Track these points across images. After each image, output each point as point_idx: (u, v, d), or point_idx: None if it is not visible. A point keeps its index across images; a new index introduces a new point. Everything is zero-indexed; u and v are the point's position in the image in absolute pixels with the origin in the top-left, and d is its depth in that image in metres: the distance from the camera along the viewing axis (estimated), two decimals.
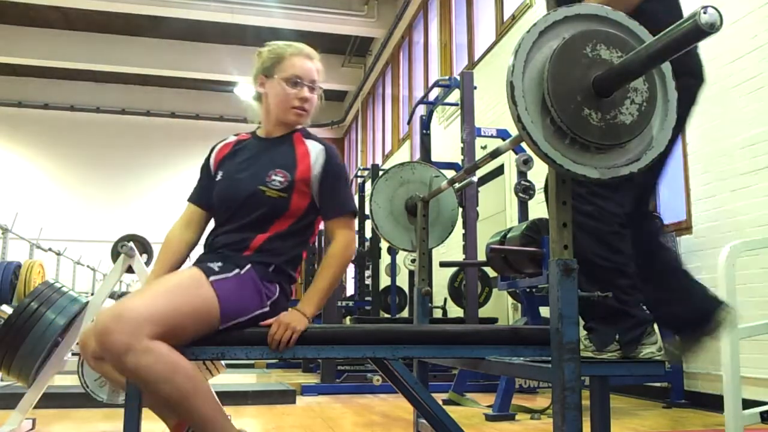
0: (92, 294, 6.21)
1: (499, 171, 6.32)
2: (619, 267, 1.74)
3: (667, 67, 1.38)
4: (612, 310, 1.69)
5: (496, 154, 1.89)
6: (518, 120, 1.30)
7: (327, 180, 1.71)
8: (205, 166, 1.86)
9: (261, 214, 1.67)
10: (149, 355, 1.34)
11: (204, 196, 1.81)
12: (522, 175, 4.11)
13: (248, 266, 1.60)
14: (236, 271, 1.57)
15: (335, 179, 1.73)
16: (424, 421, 2.15)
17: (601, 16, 1.37)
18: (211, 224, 1.81)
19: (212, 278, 1.52)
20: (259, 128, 1.90)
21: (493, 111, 6.34)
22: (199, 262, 1.62)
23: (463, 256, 4.48)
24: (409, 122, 8.49)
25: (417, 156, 8.20)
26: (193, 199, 1.84)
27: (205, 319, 1.48)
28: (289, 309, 1.60)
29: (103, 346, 1.35)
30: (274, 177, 1.68)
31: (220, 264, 1.58)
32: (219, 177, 1.77)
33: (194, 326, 1.46)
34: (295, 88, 1.77)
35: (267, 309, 1.58)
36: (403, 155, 9.55)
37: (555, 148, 1.30)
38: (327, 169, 1.72)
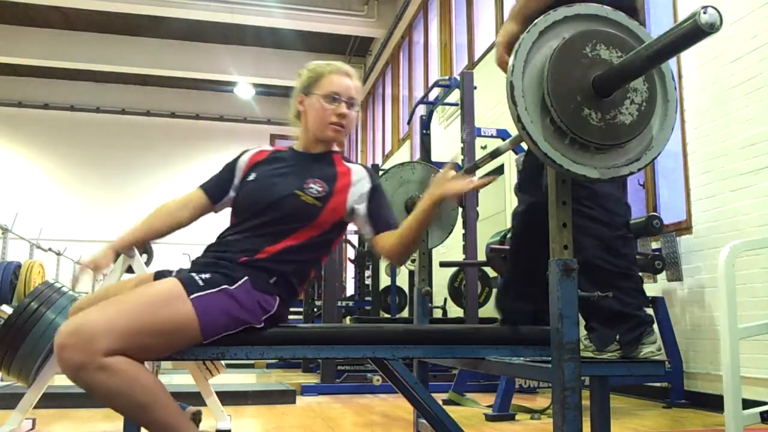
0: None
1: (499, 171, 6.32)
2: (623, 270, 1.76)
3: (667, 67, 1.38)
4: (614, 312, 1.70)
5: (496, 154, 1.89)
6: (518, 120, 1.30)
7: (377, 197, 1.75)
8: (231, 166, 1.84)
9: (287, 218, 1.65)
10: (102, 373, 1.32)
11: (217, 189, 1.81)
12: None
13: (244, 279, 1.54)
14: (224, 286, 1.51)
15: (383, 197, 1.78)
16: (424, 421, 2.15)
17: (601, 16, 1.37)
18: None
19: (193, 296, 1.46)
20: (296, 144, 1.91)
21: (493, 111, 6.34)
22: (187, 270, 1.57)
23: (463, 256, 4.48)
24: (409, 122, 8.49)
25: (417, 156, 8.20)
26: (204, 187, 1.83)
27: (179, 336, 1.43)
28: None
29: (59, 361, 1.33)
30: (312, 185, 1.69)
31: (207, 276, 1.52)
32: (251, 178, 1.77)
33: (165, 342, 1.42)
34: (332, 104, 1.78)
35: (260, 325, 1.53)
36: (403, 155, 9.55)
37: (555, 148, 1.30)
38: (375, 188, 1.76)
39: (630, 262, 1.79)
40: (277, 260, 1.62)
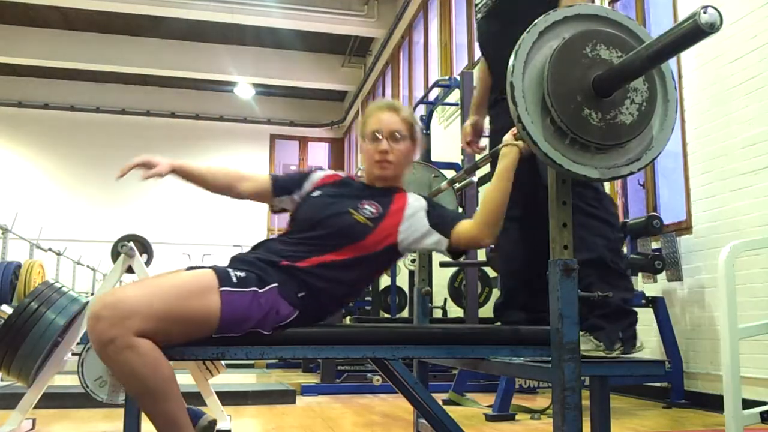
0: (92, 294, 6.20)
1: None
2: (622, 269, 1.87)
3: (667, 67, 1.38)
4: (616, 308, 1.78)
5: (495, 154, 1.89)
6: (518, 120, 1.30)
7: (436, 209, 1.75)
8: (305, 175, 1.89)
9: (336, 233, 1.65)
10: (131, 352, 1.34)
11: (283, 185, 1.85)
12: None
13: (274, 285, 1.55)
14: (254, 288, 1.52)
15: (442, 207, 1.82)
16: (424, 421, 2.15)
17: (601, 16, 1.37)
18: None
19: (223, 288, 1.48)
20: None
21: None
22: (226, 265, 1.59)
23: (463, 256, 4.47)
24: None
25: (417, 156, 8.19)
26: (273, 177, 1.87)
27: (199, 327, 1.46)
28: None
29: (90, 331, 1.36)
30: (366, 205, 1.70)
31: (242, 275, 1.53)
32: (315, 194, 1.80)
33: (186, 331, 1.44)
34: (374, 143, 1.80)
35: (268, 332, 1.52)
36: None
37: (555, 148, 1.30)
38: (431, 202, 1.78)
39: (624, 261, 1.89)
40: (314, 273, 1.60)
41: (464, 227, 1.67)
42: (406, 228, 1.69)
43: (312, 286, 1.59)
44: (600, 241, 1.81)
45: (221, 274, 1.50)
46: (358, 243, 1.65)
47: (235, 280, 1.51)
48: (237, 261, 1.62)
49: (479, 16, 2.21)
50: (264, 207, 14.92)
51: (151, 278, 1.50)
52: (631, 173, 1.36)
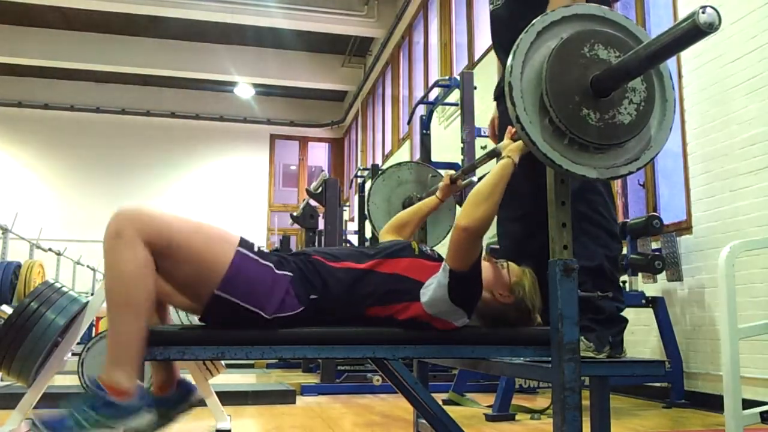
0: (92, 294, 6.21)
1: None
2: (617, 280, 1.92)
3: (665, 67, 1.38)
4: (612, 315, 1.82)
5: (495, 154, 1.89)
6: (517, 120, 1.30)
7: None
8: None
9: (386, 246, 1.67)
10: (127, 250, 1.39)
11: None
12: None
13: (289, 274, 1.53)
14: (270, 264, 1.53)
15: None
16: (424, 421, 2.15)
17: (599, 17, 1.37)
18: None
19: (241, 249, 1.50)
20: None
21: (493, 111, 6.33)
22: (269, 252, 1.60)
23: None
24: (409, 122, 8.49)
25: (417, 156, 8.20)
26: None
27: (205, 270, 1.46)
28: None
29: (109, 223, 1.43)
30: (429, 249, 1.72)
31: (264, 251, 1.56)
32: None
33: (191, 268, 1.46)
34: None
35: (268, 317, 1.49)
36: (403, 155, 9.55)
37: (553, 148, 1.30)
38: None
39: (620, 272, 1.96)
40: (339, 276, 1.57)
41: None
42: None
43: (330, 291, 1.55)
44: (602, 251, 1.85)
45: (244, 240, 1.54)
46: (403, 256, 1.65)
47: (255, 249, 1.54)
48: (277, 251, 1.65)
49: (491, 7, 2.21)
50: (264, 207, 14.85)
51: (184, 215, 1.54)
52: (630, 173, 1.36)
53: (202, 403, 2.96)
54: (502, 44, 2.24)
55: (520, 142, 1.61)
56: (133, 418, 1.36)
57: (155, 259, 1.42)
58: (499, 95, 2.29)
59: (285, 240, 9.62)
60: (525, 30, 1.33)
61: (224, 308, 1.47)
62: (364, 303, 1.58)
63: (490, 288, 1.63)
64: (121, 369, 1.37)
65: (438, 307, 1.53)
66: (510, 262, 1.69)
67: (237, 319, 1.49)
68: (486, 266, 1.65)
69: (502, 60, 2.29)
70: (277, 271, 1.52)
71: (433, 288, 1.54)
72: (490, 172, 1.59)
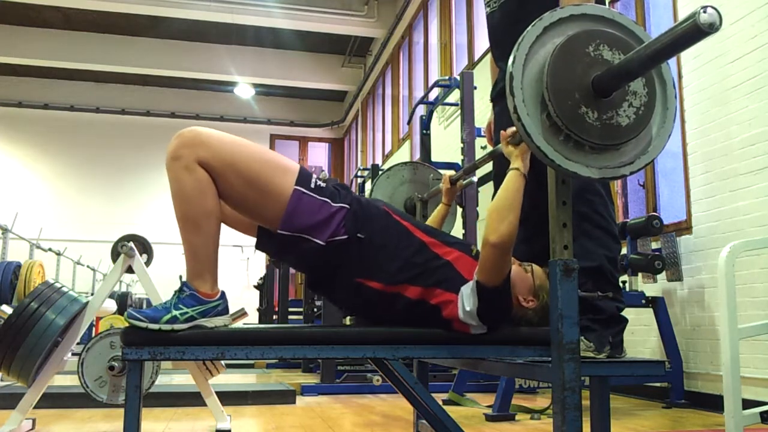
0: (92, 294, 6.20)
1: None
2: (617, 281, 1.91)
3: (669, 75, 1.38)
4: (612, 316, 1.82)
5: (495, 153, 1.89)
6: (514, 110, 1.30)
7: None
8: None
9: (448, 236, 1.75)
10: (187, 172, 1.49)
11: None
12: None
13: (345, 205, 1.58)
14: (327, 200, 1.57)
15: None
16: (424, 421, 2.15)
17: (607, 18, 1.37)
18: None
19: (298, 187, 1.55)
20: None
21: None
22: (320, 182, 1.62)
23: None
24: (409, 122, 8.49)
25: (417, 156, 8.20)
26: None
27: (262, 204, 1.55)
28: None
29: (170, 145, 1.54)
30: None
31: (321, 184, 1.59)
32: None
33: (251, 198, 1.55)
34: None
35: (323, 243, 1.55)
36: (403, 155, 9.54)
37: (548, 143, 1.30)
38: None
39: (620, 272, 1.95)
40: (388, 222, 1.64)
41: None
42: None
43: (375, 239, 1.59)
44: (601, 251, 1.85)
45: (303, 174, 1.58)
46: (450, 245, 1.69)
47: (313, 185, 1.58)
48: (327, 182, 1.66)
49: (488, 10, 2.21)
50: None
51: (243, 141, 1.60)
52: (623, 176, 1.36)
53: (202, 403, 2.96)
54: (499, 46, 2.24)
55: (523, 146, 1.60)
56: (217, 316, 1.53)
57: (215, 180, 1.51)
58: (496, 97, 2.29)
59: None
60: (532, 24, 1.33)
61: (283, 240, 1.56)
62: (402, 274, 1.59)
63: (515, 291, 1.65)
64: (200, 278, 1.53)
65: (467, 318, 1.56)
66: (534, 265, 1.70)
67: (294, 247, 1.57)
68: (512, 269, 1.65)
69: (498, 61, 2.29)
70: (333, 204, 1.58)
71: (466, 301, 1.56)
72: (503, 185, 1.58)
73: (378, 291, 1.59)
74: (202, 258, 1.53)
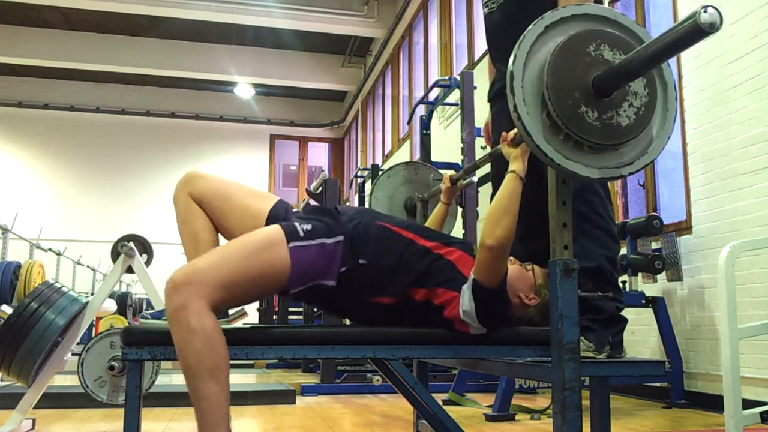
0: (92, 294, 6.20)
1: None
2: (616, 281, 1.92)
3: (670, 76, 1.38)
4: (612, 316, 1.82)
5: (494, 154, 1.89)
6: (514, 109, 1.30)
7: None
8: None
9: (446, 236, 1.76)
10: (196, 322, 1.39)
11: None
12: None
13: (340, 238, 1.58)
14: (322, 240, 1.56)
15: None
16: (424, 421, 2.15)
17: (609, 18, 1.37)
18: None
19: (292, 244, 1.53)
20: None
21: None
22: (291, 220, 1.61)
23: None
24: (409, 122, 8.49)
25: (417, 156, 8.20)
26: None
27: (271, 282, 1.54)
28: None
29: (166, 296, 1.42)
30: None
31: (308, 227, 1.57)
32: None
33: (259, 290, 1.55)
34: None
35: (333, 284, 1.56)
36: (403, 155, 9.54)
37: (548, 142, 1.30)
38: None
39: (619, 273, 1.94)
40: (387, 237, 1.63)
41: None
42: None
43: (376, 259, 1.59)
44: (601, 251, 1.85)
45: (288, 231, 1.55)
46: (445, 244, 1.69)
47: (302, 234, 1.56)
48: (308, 211, 1.66)
49: (486, 10, 2.21)
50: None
51: (225, 245, 1.57)
52: (622, 176, 1.36)
53: None
54: (497, 46, 2.24)
55: (522, 146, 1.60)
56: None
57: (226, 303, 1.50)
58: (493, 97, 2.29)
59: None
60: (534, 22, 1.33)
61: (296, 294, 1.59)
62: (407, 280, 1.60)
63: (516, 291, 1.65)
64: None
65: (466, 318, 1.57)
66: (535, 265, 1.71)
67: (309, 295, 1.60)
68: (512, 269, 1.66)
69: (495, 62, 2.29)
70: (328, 241, 1.57)
71: (465, 300, 1.56)
72: (501, 188, 1.58)
73: (389, 304, 1.62)
74: (216, 411, 1.40)
